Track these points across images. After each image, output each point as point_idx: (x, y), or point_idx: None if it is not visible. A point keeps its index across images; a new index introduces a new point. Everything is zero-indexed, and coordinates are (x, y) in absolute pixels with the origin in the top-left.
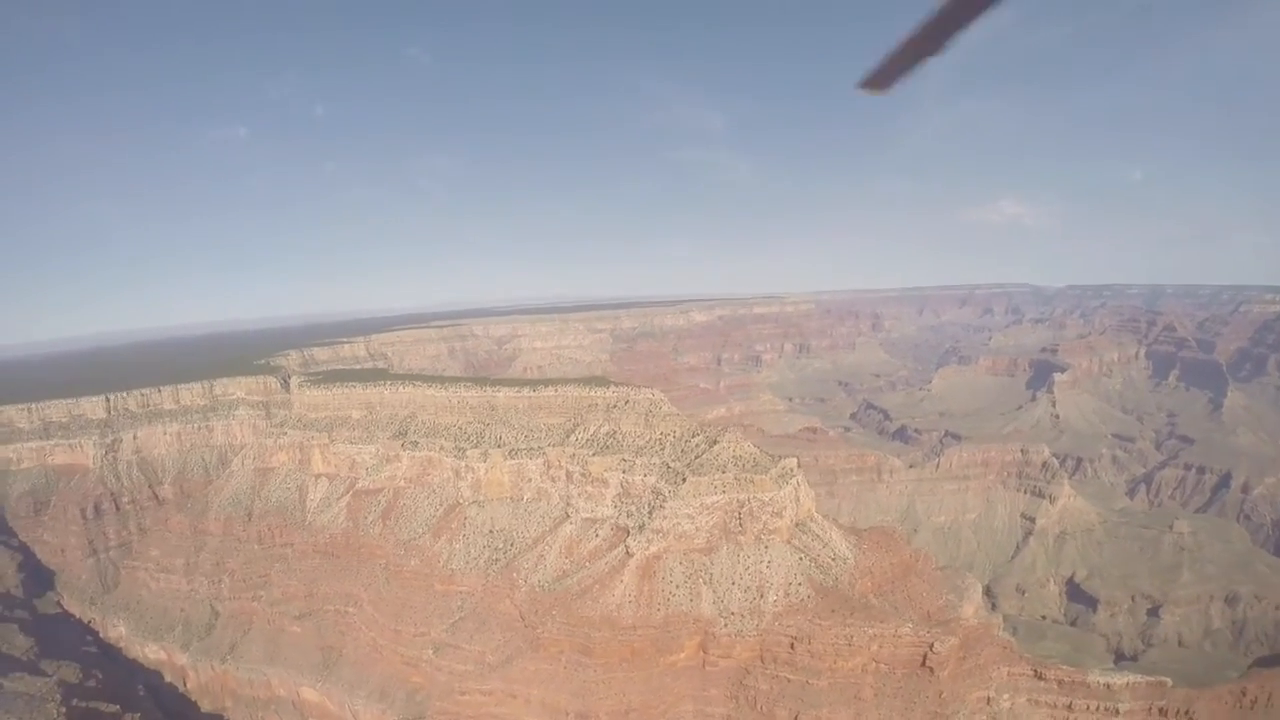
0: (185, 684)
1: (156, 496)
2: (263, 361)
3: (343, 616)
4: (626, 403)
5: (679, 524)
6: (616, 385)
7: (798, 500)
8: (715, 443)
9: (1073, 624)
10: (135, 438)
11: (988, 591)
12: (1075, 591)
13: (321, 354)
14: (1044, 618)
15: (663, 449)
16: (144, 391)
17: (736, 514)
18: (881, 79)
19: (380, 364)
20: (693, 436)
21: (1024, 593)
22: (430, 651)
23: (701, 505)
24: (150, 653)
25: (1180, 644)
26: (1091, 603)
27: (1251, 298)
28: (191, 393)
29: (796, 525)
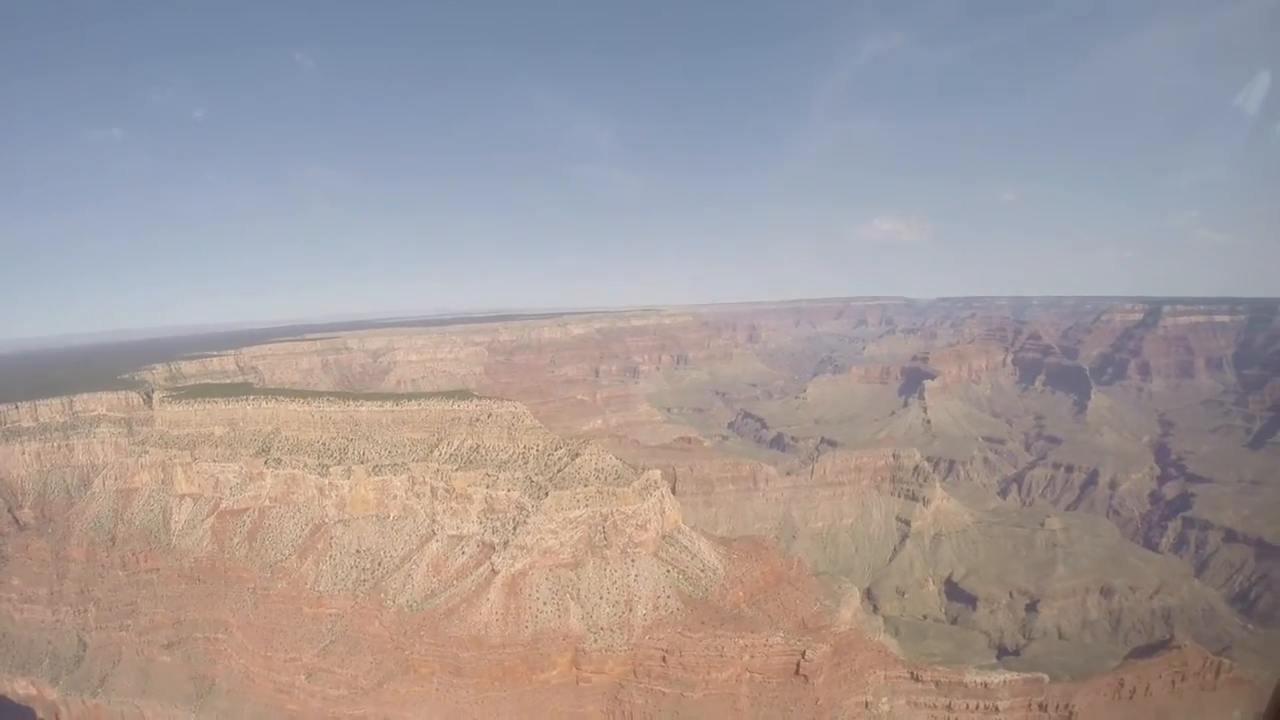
0: None
1: (17, 520)
2: (127, 376)
3: (213, 644)
4: (489, 416)
5: (543, 539)
6: (479, 398)
7: (663, 512)
8: (578, 455)
9: (953, 622)
10: None
11: (868, 594)
12: (954, 590)
13: (189, 368)
14: (925, 617)
15: (526, 463)
16: (0, 408)
17: (601, 528)
18: None
19: (250, 378)
20: (555, 450)
21: (904, 594)
22: (303, 677)
23: (565, 520)
24: (20, 688)
25: (1060, 636)
26: (971, 601)
27: (1113, 307)
28: (51, 409)
29: (663, 537)
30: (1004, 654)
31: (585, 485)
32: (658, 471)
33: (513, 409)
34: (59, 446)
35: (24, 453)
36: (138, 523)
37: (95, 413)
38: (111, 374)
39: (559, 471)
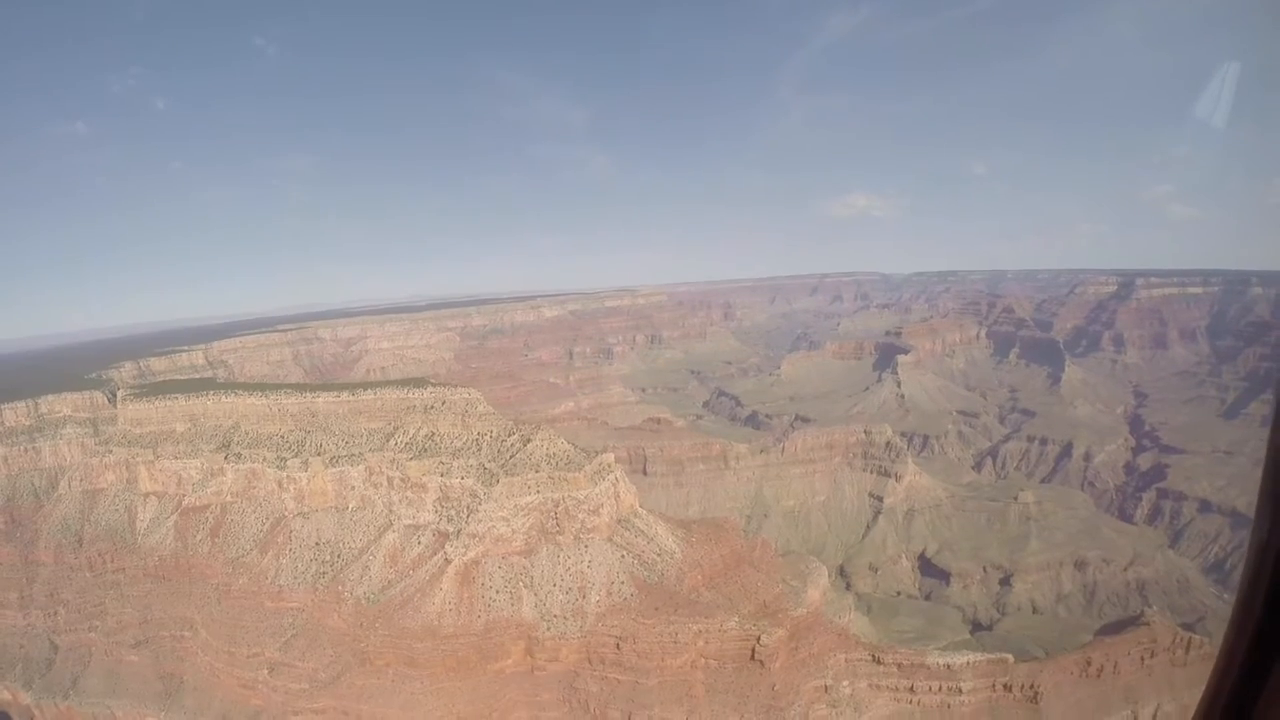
0: None
1: None
2: (94, 375)
3: (179, 641)
4: (444, 403)
5: (494, 527)
6: (435, 385)
7: (617, 496)
8: (529, 441)
9: (927, 598)
10: None
11: (841, 572)
12: (927, 566)
13: (158, 364)
14: (898, 594)
15: (479, 449)
16: None
17: (553, 513)
18: None
19: (220, 372)
20: (508, 436)
21: (877, 571)
22: (266, 672)
23: (516, 506)
24: None
25: (1034, 610)
26: (944, 576)
27: (1087, 280)
28: (16, 412)
29: (618, 521)
30: (978, 629)
31: (536, 471)
32: (610, 455)
33: (466, 395)
34: (25, 450)
35: None
36: (104, 523)
37: (61, 414)
38: (79, 374)
39: (511, 458)
